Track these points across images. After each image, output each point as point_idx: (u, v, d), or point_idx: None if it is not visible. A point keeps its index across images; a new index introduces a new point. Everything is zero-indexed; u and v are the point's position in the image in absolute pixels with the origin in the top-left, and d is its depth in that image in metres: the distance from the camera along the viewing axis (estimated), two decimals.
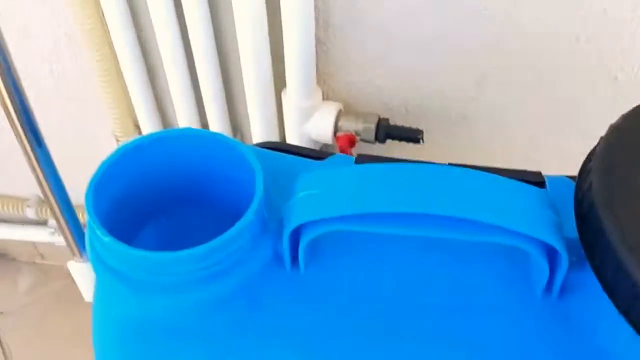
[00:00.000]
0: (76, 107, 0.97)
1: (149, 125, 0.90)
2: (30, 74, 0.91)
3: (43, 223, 1.22)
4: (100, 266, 0.32)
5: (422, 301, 0.33)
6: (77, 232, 0.46)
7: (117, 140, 0.93)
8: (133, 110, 0.90)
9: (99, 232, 0.31)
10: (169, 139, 0.35)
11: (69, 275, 1.27)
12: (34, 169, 0.52)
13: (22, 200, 1.18)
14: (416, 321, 0.32)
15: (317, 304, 0.33)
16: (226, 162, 0.34)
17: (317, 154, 0.38)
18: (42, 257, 1.36)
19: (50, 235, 1.21)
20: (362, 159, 0.36)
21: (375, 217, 0.30)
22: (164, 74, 0.81)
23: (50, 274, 1.34)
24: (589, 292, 0.31)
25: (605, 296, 0.28)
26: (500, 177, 0.31)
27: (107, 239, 0.30)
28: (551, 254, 0.30)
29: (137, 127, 0.93)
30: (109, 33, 0.80)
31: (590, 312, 0.31)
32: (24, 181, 1.13)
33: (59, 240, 1.17)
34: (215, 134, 0.35)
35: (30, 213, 1.17)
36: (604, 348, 0.31)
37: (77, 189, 1.03)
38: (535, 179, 0.34)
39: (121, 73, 0.84)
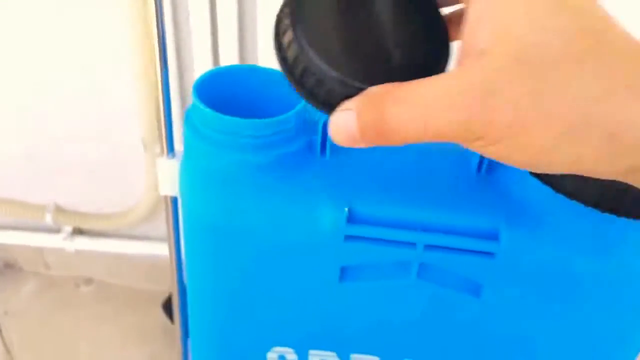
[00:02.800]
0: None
1: None
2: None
3: (56, 231, 1.37)
4: (195, 134, 0.50)
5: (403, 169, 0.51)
6: (169, 131, 0.60)
7: (145, 146, 1.11)
8: None
9: (201, 106, 0.49)
10: (243, 70, 0.54)
11: (71, 282, 1.41)
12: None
13: (40, 207, 1.33)
14: (398, 183, 0.51)
15: (337, 178, 0.51)
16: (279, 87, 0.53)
17: None
18: (47, 266, 1.50)
19: (62, 241, 1.36)
20: None
21: None
22: None
23: (54, 282, 1.47)
24: (504, 169, 0.50)
25: (515, 170, 0.47)
26: None
27: (207, 110, 0.49)
28: None
29: None
30: None
31: (507, 179, 0.50)
32: (41, 189, 1.30)
33: (70, 245, 1.33)
34: (270, 70, 0.53)
35: (48, 219, 1.33)
36: (518, 200, 0.49)
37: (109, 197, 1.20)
38: None
39: None
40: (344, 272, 0.51)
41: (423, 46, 0.32)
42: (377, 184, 0.50)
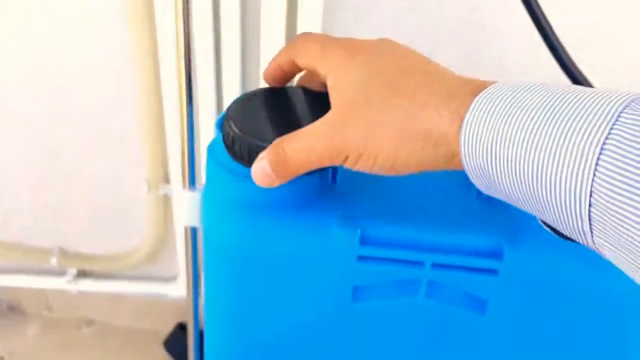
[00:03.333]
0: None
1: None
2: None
3: (60, 274, 1.40)
4: (218, 166, 0.54)
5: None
6: (191, 169, 0.63)
7: (149, 187, 1.15)
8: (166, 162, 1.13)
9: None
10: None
11: (73, 324, 1.43)
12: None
13: (45, 251, 1.36)
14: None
15: (349, 204, 0.55)
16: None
17: None
18: (50, 309, 1.51)
19: (66, 284, 1.38)
20: None
21: None
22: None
23: (57, 324, 1.49)
24: None
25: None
26: None
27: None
28: None
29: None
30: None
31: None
32: (45, 232, 1.33)
33: (74, 287, 1.35)
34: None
35: (53, 263, 1.35)
36: (518, 218, 0.53)
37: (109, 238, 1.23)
38: None
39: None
40: (356, 292, 0.54)
41: (314, 117, 0.46)
42: (387, 208, 0.54)
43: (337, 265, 0.52)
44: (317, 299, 0.55)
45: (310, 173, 0.53)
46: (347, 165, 0.44)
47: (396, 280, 0.54)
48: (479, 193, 0.54)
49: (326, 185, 0.56)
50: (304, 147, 0.44)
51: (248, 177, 0.51)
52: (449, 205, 0.55)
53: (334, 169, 0.55)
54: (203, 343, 0.66)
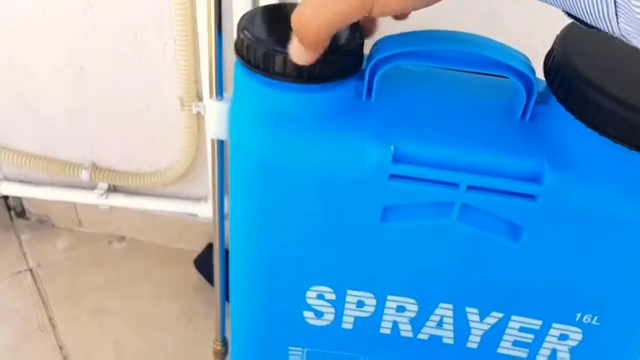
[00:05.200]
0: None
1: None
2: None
3: (91, 188, 1.40)
4: (247, 74, 0.52)
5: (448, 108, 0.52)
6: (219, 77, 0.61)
7: (183, 105, 1.13)
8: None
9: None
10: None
11: (104, 239, 1.44)
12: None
13: (76, 165, 1.36)
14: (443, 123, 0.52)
15: (383, 120, 0.53)
16: None
17: None
18: (80, 223, 1.53)
19: (97, 198, 1.39)
20: None
21: (424, 54, 0.50)
22: None
23: (87, 239, 1.51)
24: (548, 117, 0.51)
25: (559, 118, 0.48)
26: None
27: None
28: (527, 87, 0.50)
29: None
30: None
31: (550, 125, 0.51)
32: (78, 147, 1.33)
33: (104, 202, 1.36)
34: None
35: (85, 176, 1.35)
36: (561, 144, 0.50)
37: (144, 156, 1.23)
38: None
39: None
40: (386, 212, 0.52)
41: None
42: (423, 125, 0.51)
43: (368, 183, 0.50)
44: (345, 217, 0.53)
45: (343, 86, 0.50)
46: (375, 13, 0.40)
47: (428, 202, 0.52)
48: (522, 116, 0.51)
49: (361, 101, 0.53)
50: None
51: (275, 86, 0.49)
52: (488, 126, 0.52)
53: (371, 82, 0.53)
54: (228, 262, 0.65)
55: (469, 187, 0.49)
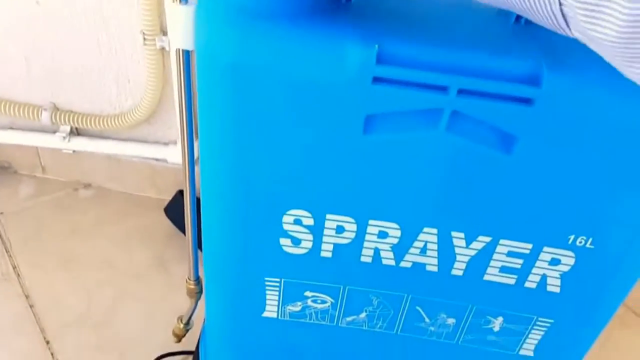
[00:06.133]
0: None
1: None
2: None
3: (54, 131, 1.34)
4: None
5: None
6: None
7: (144, 39, 1.06)
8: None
9: None
10: None
11: (69, 187, 1.38)
12: None
13: (37, 107, 1.29)
14: None
15: (366, 20, 0.48)
16: None
17: None
18: (44, 170, 1.47)
19: (60, 142, 1.32)
20: None
21: None
22: None
23: (52, 186, 1.45)
24: None
25: None
26: None
27: None
28: None
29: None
30: None
31: (546, 32, 0.47)
32: (39, 89, 1.26)
33: (67, 146, 1.29)
34: None
35: (45, 118, 1.29)
36: (560, 47, 0.46)
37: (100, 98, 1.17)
38: None
39: None
40: (369, 122, 0.48)
41: None
42: (410, 27, 0.47)
43: (349, 88, 0.46)
44: (324, 129, 0.49)
45: None
46: None
47: (415, 110, 0.47)
48: (517, 20, 0.47)
49: (341, 2, 0.48)
50: None
51: None
52: (481, 27, 0.48)
53: None
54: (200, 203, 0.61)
55: (460, 91, 0.45)
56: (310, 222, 0.56)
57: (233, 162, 0.53)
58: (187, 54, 0.59)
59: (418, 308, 0.63)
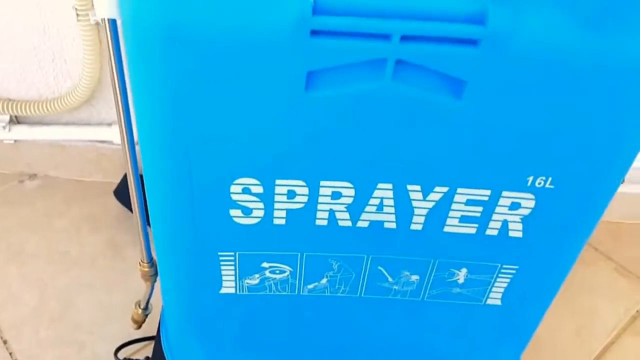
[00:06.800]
0: None
1: None
2: None
3: None
4: None
5: None
6: None
7: (77, 15, 1.01)
8: None
9: None
10: None
11: (14, 179, 1.33)
12: None
13: None
14: None
15: None
16: None
17: None
18: None
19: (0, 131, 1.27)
20: None
21: None
22: None
23: None
24: None
25: None
26: None
27: None
28: None
29: None
30: None
31: None
32: None
33: (8, 136, 1.24)
34: None
35: None
36: None
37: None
38: None
39: None
40: (310, 78, 0.45)
41: None
42: None
43: (287, 43, 0.43)
44: (264, 90, 0.46)
45: None
46: None
47: (358, 62, 0.45)
48: None
49: None
50: None
51: None
52: None
53: None
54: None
55: (403, 38, 0.42)
56: (259, 189, 0.53)
57: (172, 136, 0.50)
58: (113, 23, 0.56)
59: (380, 268, 0.61)
